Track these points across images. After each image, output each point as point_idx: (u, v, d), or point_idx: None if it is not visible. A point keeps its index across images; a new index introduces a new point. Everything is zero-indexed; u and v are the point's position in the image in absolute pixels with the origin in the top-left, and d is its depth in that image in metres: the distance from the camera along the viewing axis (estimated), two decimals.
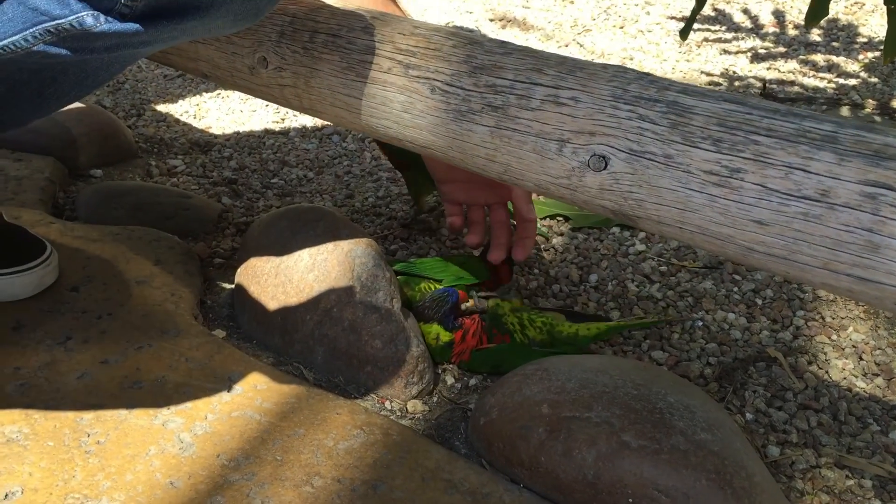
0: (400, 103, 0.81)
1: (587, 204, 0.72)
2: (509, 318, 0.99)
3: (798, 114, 0.62)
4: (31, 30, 0.65)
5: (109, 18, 0.64)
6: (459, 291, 0.98)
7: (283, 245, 1.01)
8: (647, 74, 0.70)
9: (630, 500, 0.74)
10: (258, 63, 0.91)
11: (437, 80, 0.78)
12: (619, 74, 0.71)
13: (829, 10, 1.29)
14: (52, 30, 0.65)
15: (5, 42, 0.66)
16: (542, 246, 1.28)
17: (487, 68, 0.76)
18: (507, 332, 0.98)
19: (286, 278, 0.99)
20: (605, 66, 0.72)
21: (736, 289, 1.18)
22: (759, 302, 1.15)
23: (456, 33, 0.81)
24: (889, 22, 1.28)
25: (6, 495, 0.74)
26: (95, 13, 0.64)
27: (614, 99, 0.69)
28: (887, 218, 0.55)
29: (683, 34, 1.51)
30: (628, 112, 0.67)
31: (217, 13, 0.68)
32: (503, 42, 0.79)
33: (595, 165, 0.69)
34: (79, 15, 0.64)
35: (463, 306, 0.98)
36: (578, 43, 2.20)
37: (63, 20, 0.64)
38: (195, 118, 1.74)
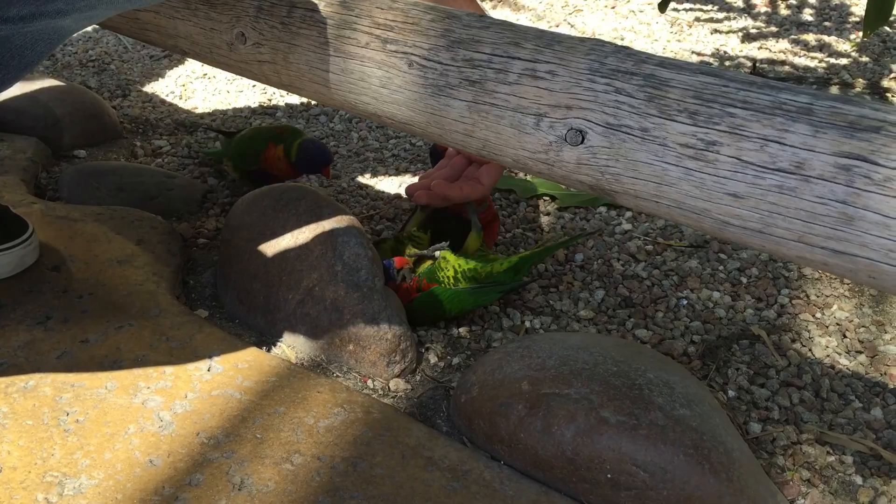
0: (378, 78, 0.81)
1: (565, 179, 0.71)
2: (445, 271, 1.02)
3: (774, 86, 0.61)
4: None
5: None
6: (395, 259, 1.03)
7: (265, 224, 1.01)
8: (625, 48, 0.70)
9: (608, 476, 0.74)
10: (236, 39, 0.91)
11: (415, 55, 0.77)
12: (597, 48, 0.70)
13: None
14: None
15: None
16: (529, 225, 1.27)
17: (465, 42, 0.75)
18: (437, 281, 1.02)
19: (268, 258, 0.98)
20: (582, 40, 0.71)
21: (721, 267, 1.18)
22: (745, 280, 1.15)
23: (434, 7, 0.80)
24: None
25: None
26: None
27: (591, 72, 0.68)
28: (861, 190, 0.55)
29: (662, 7, 1.49)
30: (605, 85, 0.67)
31: None
32: (481, 16, 0.78)
33: (572, 140, 0.68)
34: None
35: (401, 271, 1.03)
36: (569, 23, 2.19)
37: None
38: (181, 98, 1.73)
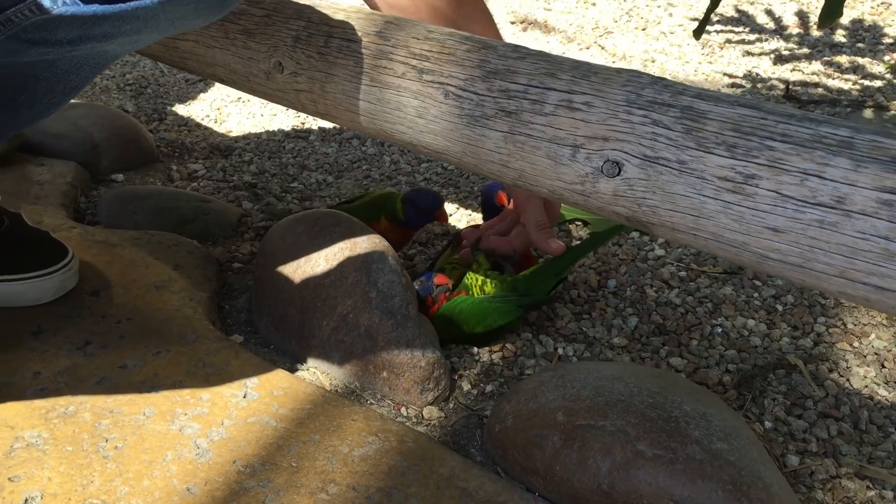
0: (414, 108, 0.81)
1: (601, 210, 0.71)
2: (475, 276, 1.06)
3: (814, 119, 0.61)
4: None
5: (67, 1, 0.65)
6: (437, 275, 1.06)
7: (300, 250, 1.02)
8: (662, 79, 0.70)
9: None
10: (274, 68, 0.92)
11: (451, 85, 0.78)
12: (634, 79, 0.70)
13: (844, 12, 1.26)
14: (12, 18, 0.65)
15: None
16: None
17: (501, 73, 0.76)
18: (465, 288, 1.05)
19: (303, 284, 0.99)
20: (619, 71, 0.71)
21: (756, 294, 1.16)
22: (780, 308, 1.14)
23: (470, 37, 0.81)
24: None
25: (26, 500, 0.74)
26: None
27: (628, 104, 0.68)
28: None
29: (697, 33, 1.50)
30: (642, 117, 0.67)
31: (177, 1, 0.68)
32: (517, 46, 0.78)
33: (608, 171, 0.68)
34: None
35: (439, 287, 1.05)
36: (600, 45, 2.19)
37: (20, 5, 0.64)
38: (216, 122, 1.75)
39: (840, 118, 1.47)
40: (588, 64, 0.74)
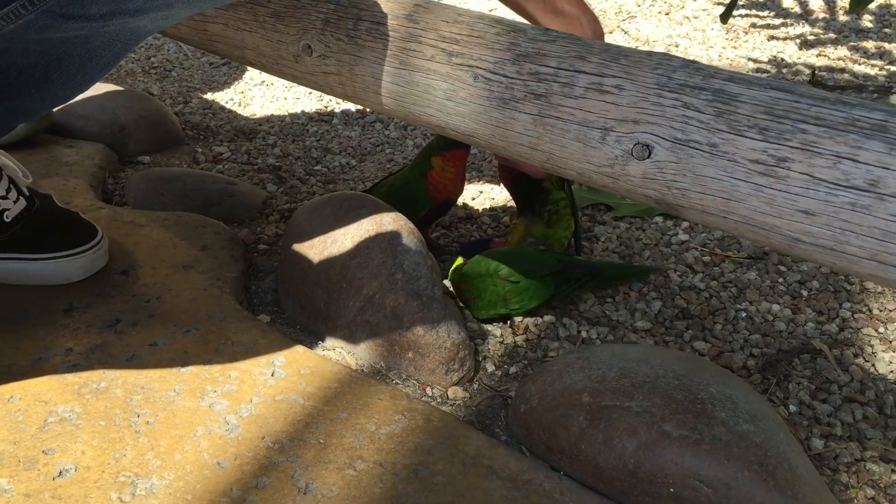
0: (443, 91, 0.82)
1: (630, 193, 0.71)
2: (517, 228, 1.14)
3: (847, 102, 0.61)
4: None
5: None
6: (495, 241, 1.15)
7: (326, 232, 1.03)
8: (693, 62, 0.70)
9: (671, 490, 0.74)
10: (303, 51, 0.92)
11: (481, 68, 0.78)
12: (664, 62, 0.70)
13: None
14: None
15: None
16: (585, 234, 1.27)
17: (531, 56, 0.76)
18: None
19: (329, 265, 1.00)
20: (649, 54, 0.71)
21: (781, 279, 1.16)
22: (805, 293, 1.13)
23: (500, 21, 0.81)
24: None
25: (60, 472, 0.76)
26: None
27: (659, 87, 0.68)
28: None
29: (724, 17, 1.49)
30: (673, 100, 0.67)
31: None
32: (546, 30, 0.78)
33: (638, 154, 0.68)
34: None
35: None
36: (623, 30, 2.18)
37: None
38: (240, 105, 1.76)
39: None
40: (618, 47, 0.74)
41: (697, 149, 0.65)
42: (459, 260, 1.11)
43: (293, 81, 0.99)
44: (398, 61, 0.85)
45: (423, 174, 1.16)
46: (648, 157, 0.68)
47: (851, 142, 0.58)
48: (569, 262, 1.06)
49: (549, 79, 0.74)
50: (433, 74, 0.82)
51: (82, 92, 0.87)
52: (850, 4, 1.21)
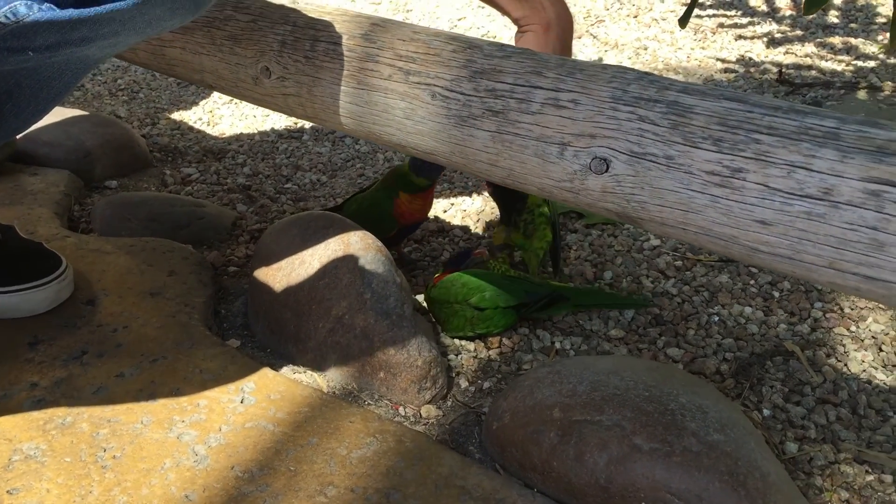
0: (402, 110, 0.81)
1: (591, 206, 0.71)
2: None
3: (800, 110, 0.61)
4: None
5: (42, 7, 0.65)
6: (476, 252, 1.12)
7: (294, 253, 1.02)
8: (648, 74, 0.69)
9: None
10: (261, 73, 0.92)
11: (438, 86, 0.78)
12: (619, 75, 0.70)
13: None
14: None
15: None
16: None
17: (487, 72, 0.75)
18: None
19: (298, 287, 0.99)
20: (604, 67, 0.71)
21: (753, 281, 1.16)
22: (777, 294, 1.14)
23: (456, 37, 0.81)
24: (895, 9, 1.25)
25: None
26: (29, 2, 0.65)
27: (614, 100, 0.68)
28: (891, 215, 0.54)
29: (682, 22, 1.48)
30: (628, 113, 0.67)
31: (153, 2, 0.69)
32: (502, 45, 0.78)
33: (597, 168, 0.68)
34: (11, 5, 0.65)
35: (473, 259, 1.11)
36: (592, 34, 2.19)
37: None
38: (209, 125, 1.75)
39: (827, 107, 1.47)
40: (574, 61, 0.74)
41: (654, 161, 0.65)
42: (439, 272, 1.10)
43: (253, 103, 0.98)
44: (356, 81, 0.84)
45: (390, 198, 1.14)
46: (606, 170, 0.68)
47: (804, 150, 0.58)
48: (537, 292, 1.05)
49: (505, 95, 0.74)
50: (391, 94, 0.82)
51: (36, 122, 0.86)
52: (805, 5, 1.22)
